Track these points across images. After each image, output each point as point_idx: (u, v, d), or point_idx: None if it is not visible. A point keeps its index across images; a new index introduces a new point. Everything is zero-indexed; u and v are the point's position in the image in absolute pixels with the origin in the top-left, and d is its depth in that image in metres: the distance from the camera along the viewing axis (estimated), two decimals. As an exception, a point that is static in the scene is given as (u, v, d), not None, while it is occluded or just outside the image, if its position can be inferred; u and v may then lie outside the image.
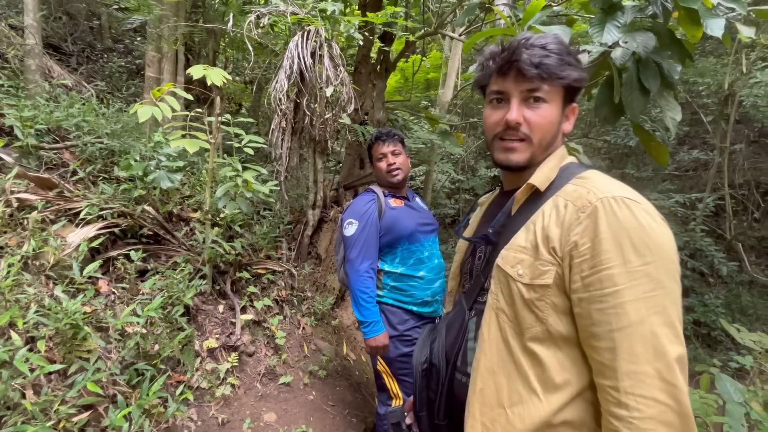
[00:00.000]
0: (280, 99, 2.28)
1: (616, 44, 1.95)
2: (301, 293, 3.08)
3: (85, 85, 4.27)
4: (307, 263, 3.30)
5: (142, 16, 3.27)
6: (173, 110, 1.82)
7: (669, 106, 2.05)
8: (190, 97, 2.06)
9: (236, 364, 2.17)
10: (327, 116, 2.61)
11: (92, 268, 1.71)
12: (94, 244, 1.87)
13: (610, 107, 2.07)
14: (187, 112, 1.98)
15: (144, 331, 1.76)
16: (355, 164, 3.81)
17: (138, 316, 1.66)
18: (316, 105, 2.46)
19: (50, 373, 1.45)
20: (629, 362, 0.62)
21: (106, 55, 6.14)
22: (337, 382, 2.75)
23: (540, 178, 0.80)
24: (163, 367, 1.73)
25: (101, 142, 2.56)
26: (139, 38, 6.46)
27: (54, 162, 2.46)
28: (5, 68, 3.08)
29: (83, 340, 1.58)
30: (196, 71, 1.79)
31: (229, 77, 1.94)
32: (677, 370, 0.62)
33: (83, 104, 3.13)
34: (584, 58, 2.21)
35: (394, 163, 1.96)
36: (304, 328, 2.90)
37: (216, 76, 1.81)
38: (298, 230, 3.43)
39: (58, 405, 1.33)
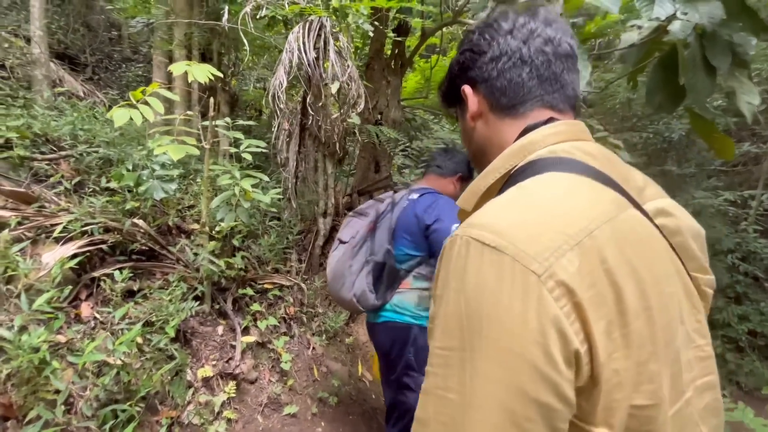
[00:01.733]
0: (278, 97, 2.05)
1: (673, 17, 1.60)
2: (312, 309, 2.84)
3: (98, 94, 4.22)
4: (318, 276, 3.06)
5: (140, 16, 3.14)
6: (157, 113, 1.62)
7: (743, 88, 1.68)
8: (176, 98, 1.86)
9: (234, 395, 1.94)
10: (334, 116, 2.37)
11: (53, 295, 1.52)
12: (73, 263, 1.68)
13: (666, 92, 1.71)
14: (176, 115, 1.77)
15: (124, 362, 1.55)
16: (370, 167, 3.55)
17: (111, 350, 1.45)
18: (321, 103, 2.22)
19: (6, 419, 1.25)
20: None
21: (124, 65, 6.17)
22: (350, 409, 2.49)
23: (464, 195, 0.58)
24: (141, 407, 1.51)
25: (97, 151, 2.41)
26: (157, 47, 6.47)
27: (48, 173, 2.32)
28: (7, 78, 3.01)
29: (52, 377, 1.38)
30: (177, 68, 1.59)
31: (219, 74, 1.73)
32: None
33: (87, 112, 3.02)
34: (633, 37, 1.86)
35: None
36: (314, 348, 2.66)
37: (200, 73, 1.60)
38: (309, 240, 3.20)
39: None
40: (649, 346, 0.39)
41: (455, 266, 0.42)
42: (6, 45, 3.55)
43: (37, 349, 1.34)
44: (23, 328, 1.42)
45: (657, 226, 0.48)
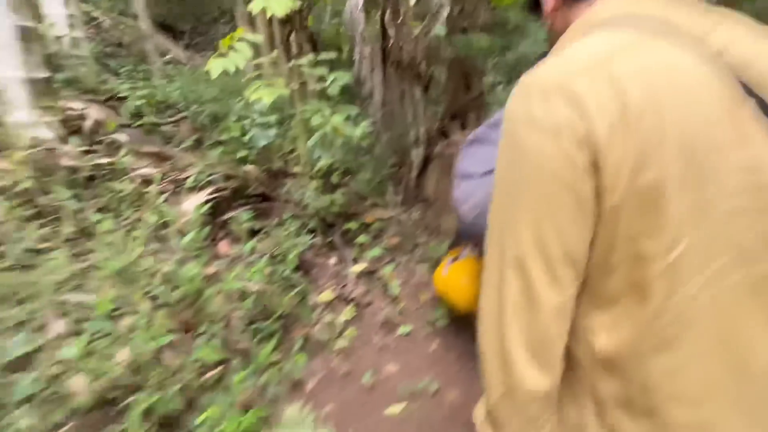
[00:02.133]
0: (356, 20, 1.93)
1: None
2: (412, 239, 2.90)
3: (197, 57, 4.57)
4: (415, 207, 3.07)
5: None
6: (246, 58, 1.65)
7: None
8: (260, 39, 1.87)
9: (352, 315, 2.14)
10: (416, 32, 2.16)
11: (195, 237, 1.77)
12: (206, 208, 1.94)
13: None
14: (263, 59, 1.80)
15: (259, 289, 1.80)
16: (460, 87, 3.26)
17: (246, 279, 1.68)
18: (399, 20, 2.03)
19: (186, 331, 1.57)
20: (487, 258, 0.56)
21: (213, 27, 6.52)
22: (459, 331, 2.57)
23: None
24: (277, 325, 1.76)
25: (205, 110, 2.64)
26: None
27: (173, 134, 2.65)
28: (127, 56, 3.40)
29: (209, 301, 1.67)
30: (256, 5, 1.56)
31: (295, 4, 1.66)
32: (505, 293, 0.52)
33: (192, 75, 3.30)
34: None
35: None
36: (419, 275, 2.75)
37: (278, 5, 1.55)
38: (403, 173, 3.18)
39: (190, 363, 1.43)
40: (655, 140, 0.47)
41: (507, 103, 0.57)
42: (122, 26, 4.00)
43: (193, 279, 1.62)
44: (180, 263, 1.72)
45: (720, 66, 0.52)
